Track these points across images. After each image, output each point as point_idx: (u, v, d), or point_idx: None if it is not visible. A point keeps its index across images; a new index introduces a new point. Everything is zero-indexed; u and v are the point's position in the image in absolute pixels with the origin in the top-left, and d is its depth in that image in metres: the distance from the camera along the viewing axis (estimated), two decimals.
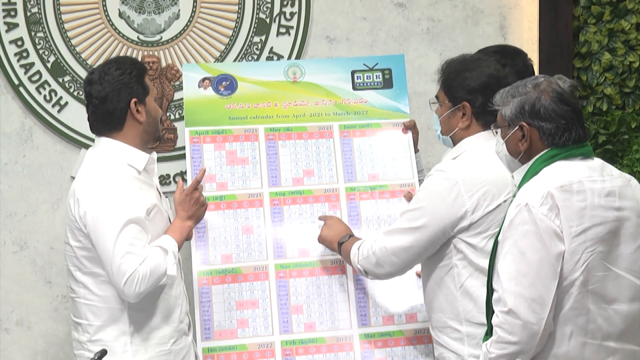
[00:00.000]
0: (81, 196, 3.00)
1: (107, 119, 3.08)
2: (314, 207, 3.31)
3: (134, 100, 3.06)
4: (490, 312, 2.55)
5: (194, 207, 3.13)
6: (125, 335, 3.03)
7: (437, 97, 3.04)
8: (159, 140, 3.23)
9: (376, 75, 3.56)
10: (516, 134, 2.56)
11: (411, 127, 3.52)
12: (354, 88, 3.54)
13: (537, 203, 2.44)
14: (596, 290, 2.48)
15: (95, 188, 3.00)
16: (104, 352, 2.78)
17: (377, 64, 3.58)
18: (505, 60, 3.12)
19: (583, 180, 2.49)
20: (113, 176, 3.02)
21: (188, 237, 3.17)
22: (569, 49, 4.24)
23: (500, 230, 2.54)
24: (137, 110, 3.07)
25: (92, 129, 3.13)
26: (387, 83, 3.56)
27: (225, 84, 3.44)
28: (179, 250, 3.08)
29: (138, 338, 3.04)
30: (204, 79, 3.47)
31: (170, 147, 4.07)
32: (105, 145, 3.09)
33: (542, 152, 2.53)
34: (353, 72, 3.56)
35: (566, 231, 2.44)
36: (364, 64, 3.57)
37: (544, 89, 2.54)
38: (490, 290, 2.56)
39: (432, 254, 2.92)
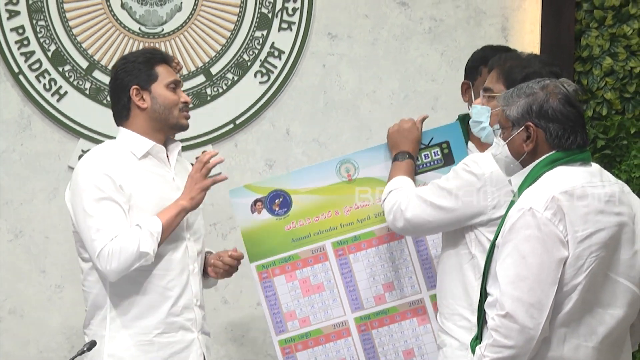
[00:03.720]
0: (70, 182, 3.08)
1: (115, 107, 3.14)
2: (402, 325, 3.20)
3: (134, 87, 3.06)
4: (481, 316, 2.54)
5: (194, 188, 3.03)
6: (105, 320, 3.04)
7: (489, 88, 2.93)
8: (178, 128, 3.14)
9: (434, 152, 3.16)
10: (521, 135, 2.54)
11: None
12: (415, 173, 3.13)
13: (542, 207, 2.43)
14: (594, 294, 2.47)
15: (78, 171, 3.05)
16: (92, 344, 2.86)
17: (432, 138, 3.16)
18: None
19: (585, 186, 2.49)
20: (99, 159, 3.04)
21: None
22: (570, 53, 4.23)
23: (497, 234, 2.53)
24: (142, 98, 3.07)
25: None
26: (448, 159, 3.15)
27: (278, 202, 3.18)
28: (164, 231, 2.97)
29: (117, 325, 3.03)
30: (255, 202, 3.18)
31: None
32: (118, 135, 3.14)
33: (544, 156, 2.52)
34: None
35: (571, 236, 2.43)
36: (420, 142, 3.17)
37: (552, 90, 2.53)
38: (483, 295, 2.55)
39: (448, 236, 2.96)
